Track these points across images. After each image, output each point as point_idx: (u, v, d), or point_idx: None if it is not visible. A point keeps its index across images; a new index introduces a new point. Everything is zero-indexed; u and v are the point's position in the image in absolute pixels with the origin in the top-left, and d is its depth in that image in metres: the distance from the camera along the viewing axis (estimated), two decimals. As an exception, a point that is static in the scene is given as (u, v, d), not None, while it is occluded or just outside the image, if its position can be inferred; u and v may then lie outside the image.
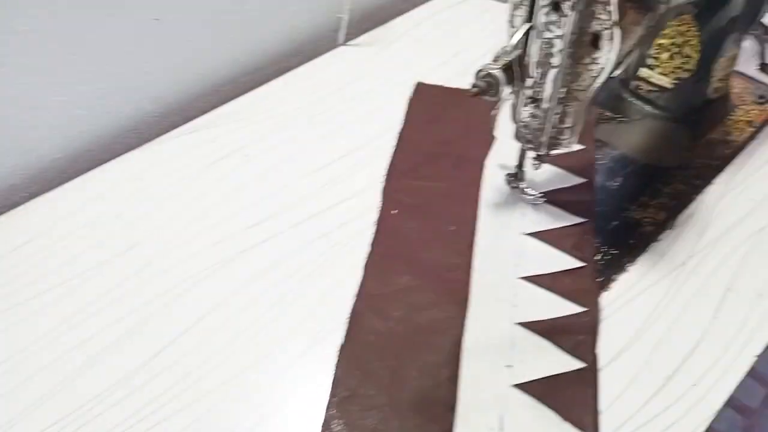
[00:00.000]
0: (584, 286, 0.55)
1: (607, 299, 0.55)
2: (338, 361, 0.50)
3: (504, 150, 0.66)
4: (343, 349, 0.51)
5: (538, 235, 0.59)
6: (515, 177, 0.61)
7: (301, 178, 0.65)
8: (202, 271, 0.57)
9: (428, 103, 0.74)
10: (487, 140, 0.68)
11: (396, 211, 0.62)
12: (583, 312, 0.53)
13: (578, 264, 0.56)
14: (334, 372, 0.49)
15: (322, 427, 0.46)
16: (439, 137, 0.70)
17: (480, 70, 0.49)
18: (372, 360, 0.50)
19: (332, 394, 0.48)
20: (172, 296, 0.55)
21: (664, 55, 0.67)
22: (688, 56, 0.66)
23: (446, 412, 0.47)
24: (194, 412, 0.48)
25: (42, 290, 0.55)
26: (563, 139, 0.52)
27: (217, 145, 0.69)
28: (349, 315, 0.53)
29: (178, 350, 0.51)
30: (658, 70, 0.68)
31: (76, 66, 0.65)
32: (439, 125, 0.71)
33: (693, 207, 0.62)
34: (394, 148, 0.68)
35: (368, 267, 0.57)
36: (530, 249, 0.58)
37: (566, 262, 0.57)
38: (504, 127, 0.63)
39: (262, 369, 0.50)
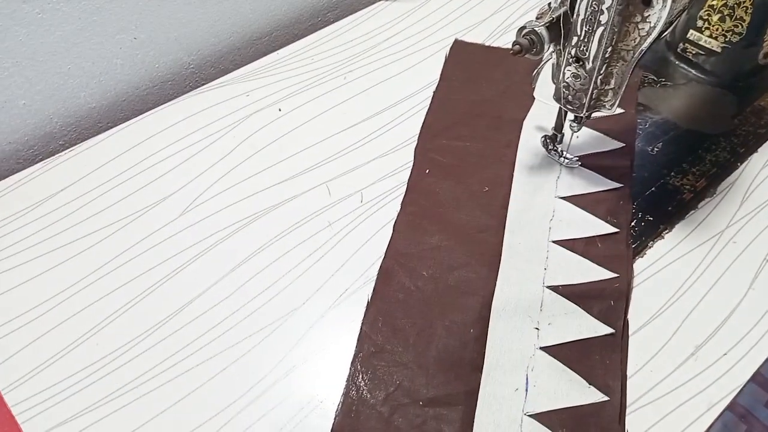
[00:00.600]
0: (617, 252, 0.54)
1: (641, 265, 0.54)
2: (365, 317, 0.51)
3: (542, 111, 0.65)
4: (371, 306, 0.51)
5: (572, 199, 0.58)
6: (552, 139, 0.60)
7: (335, 135, 0.65)
8: (233, 225, 0.57)
9: (466, 61, 0.73)
10: (526, 101, 0.66)
11: (429, 170, 0.61)
12: (615, 278, 0.52)
13: (612, 230, 0.56)
14: (360, 328, 0.50)
15: (348, 381, 0.47)
16: (476, 97, 0.68)
17: (523, 28, 0.48)
18: (399, 317, 0.50)
19: (358, 349, 0.49)
20: (202, 249, 0.56)
21: (715, 17, 0.64)
22: (739, 19, 0.63)
23: (472, 371, 0.47)
24: (222, 362, 0.49)
25: (75, 238, 0.56)
26: (605, 101, 0.51)
27: (251, 99, 0.69)
28: (378, 272, 0.53)
29: (208, 302, 0.52)
30: (708, 32, 0.66)
31: (114, 15, 0.65)
32: (477, 84, 0.70)
33: (735, 175, 0.60)
34: (429, 107, 0.68)
35: (399, 225, 0.57)
36: (564, 213, 0.57)
37: (600, 227, 0.56)
38: (544, 87, 0.61)
39: (291, 323, 0.51)
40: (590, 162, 0.60)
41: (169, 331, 0.50)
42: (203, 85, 0.71)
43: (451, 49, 0.74)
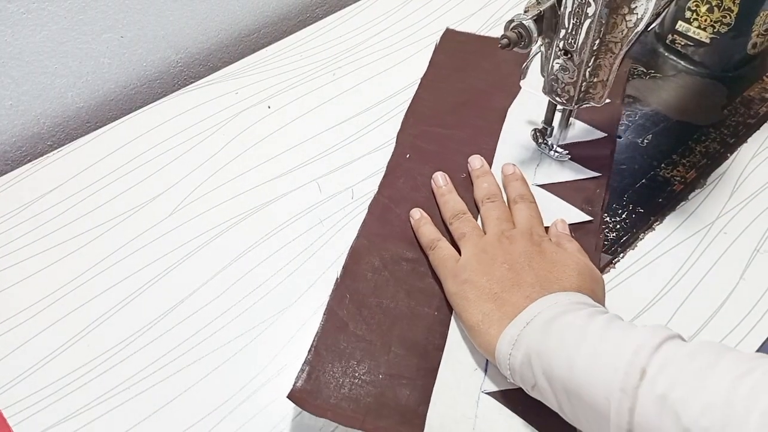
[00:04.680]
0: (586, 242, 0.53)
1: (633, 257, 0.54)
2: (333, 293, 0.50)
3: (529, 101, 0.64)
4: (340, 283, 0.51)
5: (549, 187, 0.58)
6: (542, 133, 0.60)
7: (324, 132, 0.65)
8: (224, 223, 0.57)
9: (456, 50, 0.72)
10: (514, 92, 0.66)
11: (409, 155, 0.61)
12: None
13: (586, 218, 0.55)
14: (327, 303, 0.50)
15: (311, 353, 0.46)
16: (464, 85, 0.68)
17: (510, 21, 0.48)
18: (367, 296, 0.50)
19: (323, 323, 0.48)
20: (193, 248, 0.55)
21: (703, 8, 0.64)
22: (727, 9, 0.63)
23: (434, 350, 0.47)
24: (215, 361, 0.49)
25: (65, 239, 0.56)
26: (594, 94, 0.51)
27: (241, 97, 0.68)
28: (349, 251, 0.53)
29: (198, 301, 0.52)
30: (696, 23, 0.66)
31: (101, 14, 0.65)
32: (466, 73, 0.69)
33: (724, 166, 0.61)
34: (416, 93, 0.67)
35: (373, 207, 0.57)
36: (541, 200, 0.56)
37: (575, 215, 0.55)
38: (533, 80, 0.61)
39: (283, 320, 0.51)
40: (572, 151, 0.60)
41: (160, 331, 0.50)
42: (191, 83, 0.70)
43: (442, 37, 0.73)
